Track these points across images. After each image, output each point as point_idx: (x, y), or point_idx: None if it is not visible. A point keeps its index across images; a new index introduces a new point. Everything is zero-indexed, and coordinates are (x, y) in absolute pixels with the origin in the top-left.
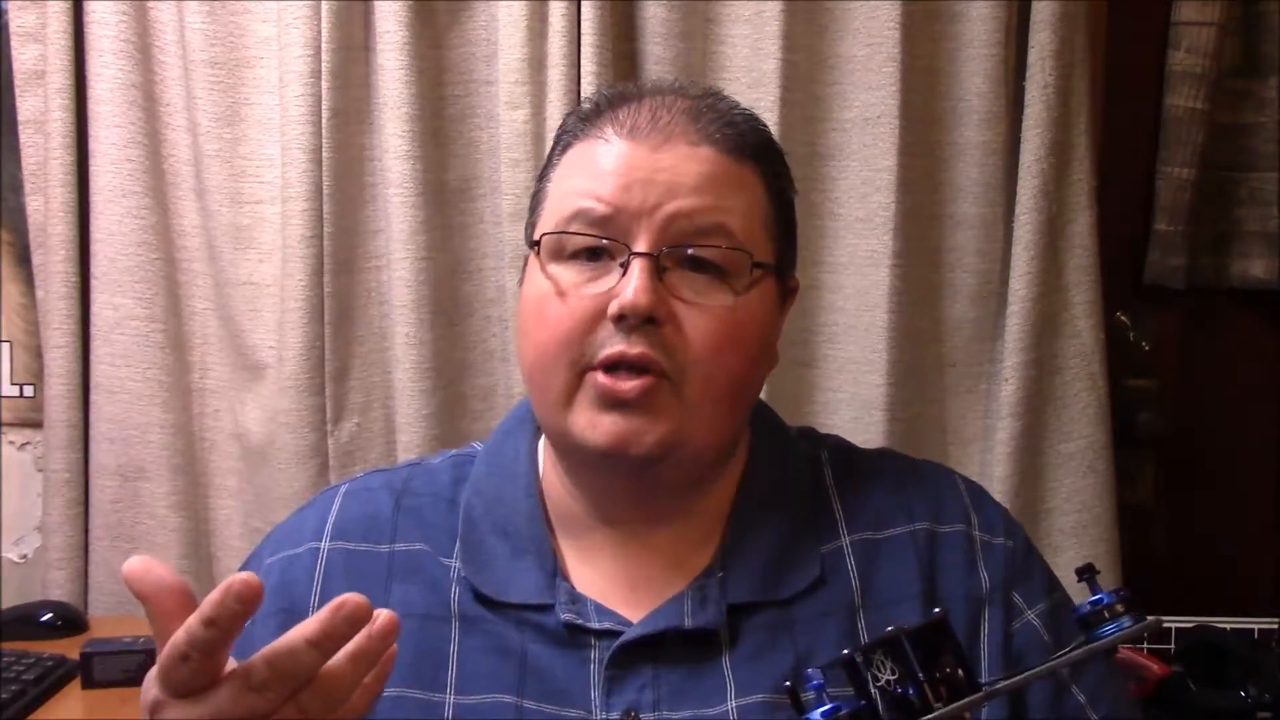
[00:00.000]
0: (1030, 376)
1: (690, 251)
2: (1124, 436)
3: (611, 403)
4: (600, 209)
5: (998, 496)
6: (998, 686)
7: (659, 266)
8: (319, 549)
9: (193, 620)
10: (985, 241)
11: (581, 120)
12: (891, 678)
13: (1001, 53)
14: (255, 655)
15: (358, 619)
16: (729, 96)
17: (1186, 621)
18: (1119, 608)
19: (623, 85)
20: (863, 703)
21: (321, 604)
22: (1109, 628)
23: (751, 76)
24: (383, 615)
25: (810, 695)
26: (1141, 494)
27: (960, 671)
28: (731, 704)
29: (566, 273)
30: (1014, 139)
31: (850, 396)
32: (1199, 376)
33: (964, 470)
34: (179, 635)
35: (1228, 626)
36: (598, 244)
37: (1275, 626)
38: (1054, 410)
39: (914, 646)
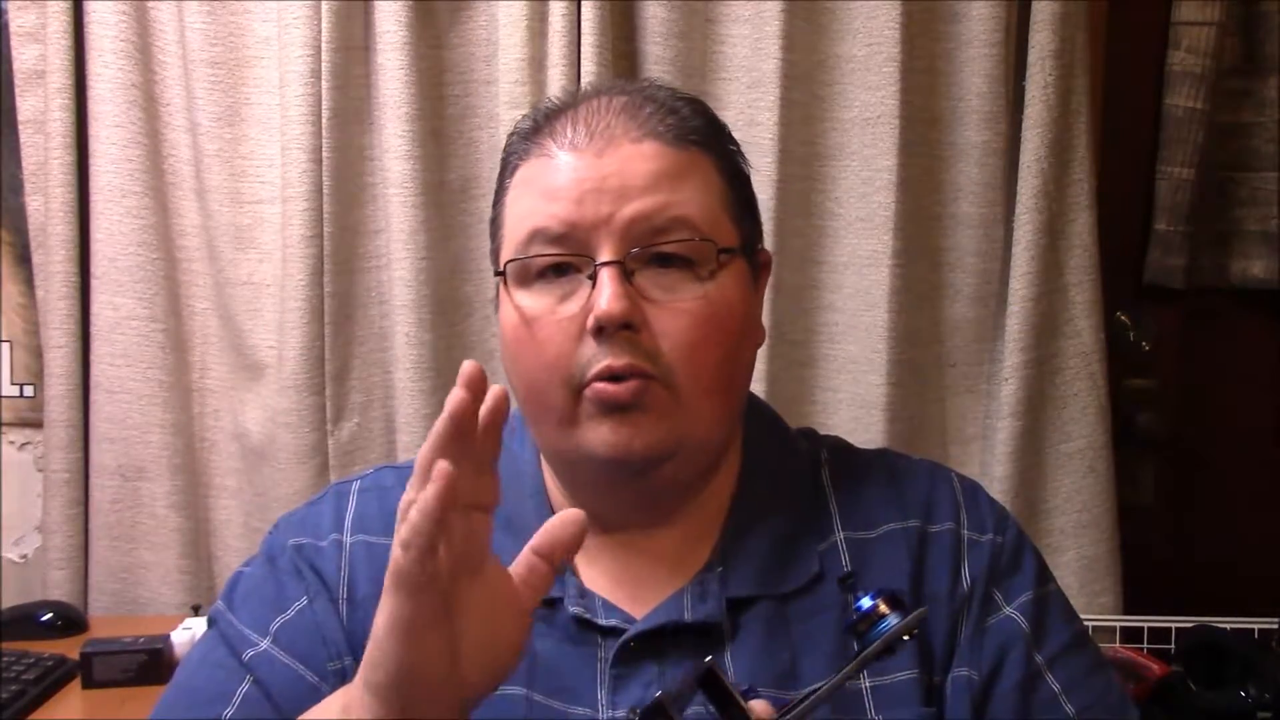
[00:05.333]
0: (1030, 376)
1: (655, 250)
2: (1124, 436)
3: (610, 407)
4: (556, 227)
5: (997, 496)
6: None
7: (626, 271)
8: (342, 541)
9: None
10: (985, 241)
11: (523, 139)
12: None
13: (1001, 53)
14: None
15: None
16: (666, 84)
17: (1186, 621)
18: (882, 608)
19: (560, 96)
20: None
21: (349, 594)
22: (881, 626)
23: (751, 76)
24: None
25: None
26: (1141, 494)
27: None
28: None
29: (538, 296)
30: (1014, 139)
31: (850, 396)
32: (1199, 376)
33: (964, 470)
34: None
35: (1228, 626)
36: (562, 261)
37: (1275, 626)
38: (1054, 410)
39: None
